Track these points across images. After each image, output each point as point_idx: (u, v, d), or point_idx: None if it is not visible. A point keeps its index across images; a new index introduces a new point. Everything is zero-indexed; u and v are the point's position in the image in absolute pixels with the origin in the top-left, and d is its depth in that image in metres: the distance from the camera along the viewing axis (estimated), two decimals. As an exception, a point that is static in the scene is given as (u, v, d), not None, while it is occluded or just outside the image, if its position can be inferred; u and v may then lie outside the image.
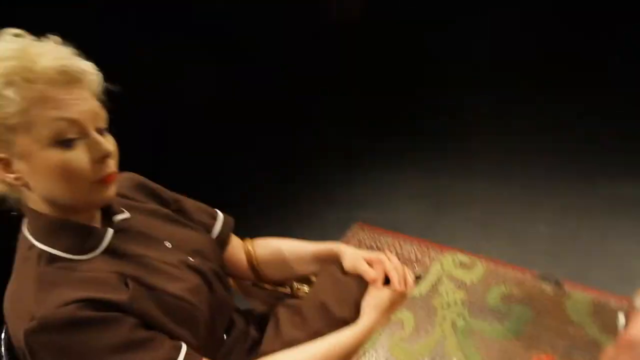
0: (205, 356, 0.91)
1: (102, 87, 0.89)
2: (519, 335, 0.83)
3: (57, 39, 0.86)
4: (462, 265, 1.00)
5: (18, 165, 0.82)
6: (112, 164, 0.86)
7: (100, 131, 0.85)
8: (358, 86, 4.26)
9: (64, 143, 0.80)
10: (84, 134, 0.82)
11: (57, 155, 0.80)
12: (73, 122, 0.80)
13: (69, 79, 0.80)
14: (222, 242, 1.20)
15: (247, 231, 1.32)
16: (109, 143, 0.86)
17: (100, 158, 0.83)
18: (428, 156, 3.08)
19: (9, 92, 0.77)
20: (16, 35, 0.82)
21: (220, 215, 1.22)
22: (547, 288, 0.89)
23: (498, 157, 2.90)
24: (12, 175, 0.83)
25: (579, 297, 0.85)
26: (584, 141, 2.84)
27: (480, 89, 3.71)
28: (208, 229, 1.17)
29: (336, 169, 3.21)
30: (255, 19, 4.88)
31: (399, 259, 1.25)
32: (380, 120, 3.66)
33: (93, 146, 0.82)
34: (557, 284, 0.90)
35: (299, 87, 4.33)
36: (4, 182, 0.85)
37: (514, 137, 3.05)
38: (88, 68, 0.85)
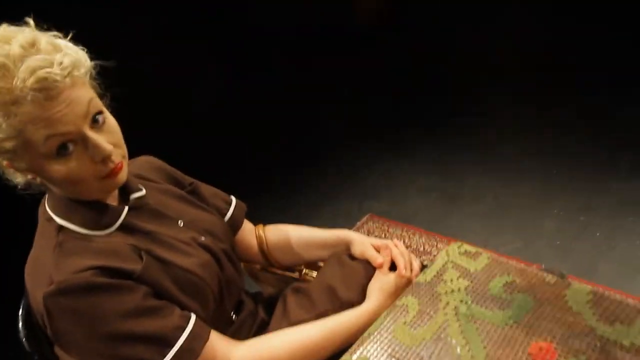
0: (214, 330, 0.95)
1: (92, 69, 0.87)
2: (519, 322, 0.86)
3: (31, 32, 0.81)
4: (467, 254, 1.02)
5: (30, 173, 0.86)
6: (115, 156, 0.87)
7: (96, 119, 0.84)
8: (372, 80, 4.26)
9: (62, 154, 0.81)
10: (80, 138, 0.82)
11: (59, 167, 0.82)
12: (65, 134, 0.80)
13: (51, 93, 0.77)
14: (234, 225, 1.24)
15: (259, 219, 1.36)
16: (108, 135, 0.86)
17: (100, 160, 0.84)
18: (440, 150, 3.09)
19: None
20: None
21: (234, 200, 1.26)
22: (550, 278, 0.91)
23: (511, 153, 2.90)
24: (29, 177, 0.87)
25: (579, 287, 0.88)
26: (596, 139, 2.82)
27: (497, 85, 3.70)
28: (221, 212, 1.21)
29: (347, 160, 3.24)
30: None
31: (411, 251, 1.27)
32: (392, 113, 3.68)
33: (92, 150, 0.83)
34: (562, 276, 0.93)
35: (313, 81, 4.35)
36: (24, 177, 0.89)
37: (528, 133, 3.04)
38: (70, 64, 0.80)
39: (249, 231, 1.31)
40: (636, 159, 2.57)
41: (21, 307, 1.05)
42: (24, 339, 1.02)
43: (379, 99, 3.93)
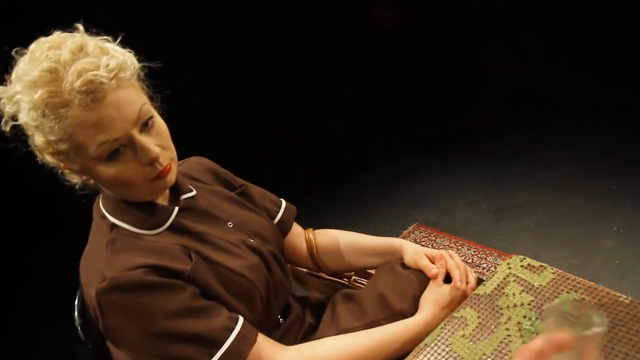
0: (261, 333, 0.94)
1: (140, 70, 0.88)
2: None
3: (80, 37, 0.83)
4: (530, 268, 0.97)
5: (84, 174, 0.88)
6: (164, 159, 0.87)
7: (145, 123, 0.85)
8: (423, 89, 4.20)
9: (112, 157, 0.83)
10: (129, 141, 0.83)
11: (109, 169, 0.84)
12: (115, 140, 0.81)
13: (98, 95, 0.78)
14: (283, 228, 1.22)
15: (307, 224, 1.34)
16: (156, 138, 0.87)
17: (148, 163, 0.85)
18: (491, 162, 3.01)
19: (49, 123, 0.78)
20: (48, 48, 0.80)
21: (284, 203, 1.25)
22: (623, 298, 0.85)
23: (563, 167, 2.80)
24: (83, 177, 0.90)
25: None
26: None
27: (551, 93, 3.58)
28: (271, 214, 1.20)
29: (395, 168, 3.19)
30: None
31: (471, 266, 1.23)
32: (443, 124, 3.60)
33: (140, 152, 0.84)
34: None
35: (370, 93, 4.34)
36: (79, 178, 0.91)
37: (580, 147, 2.93)
38: (117, 66, 0.81)
39: (298, 235, 1.29)
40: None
41: (77, 297, 1.06)
42: (78, 328, 1.04)
43: (430, 110, 3.86)
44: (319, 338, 1.04)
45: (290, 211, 1.26)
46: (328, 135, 3.75)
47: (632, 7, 4.06)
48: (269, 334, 0.98)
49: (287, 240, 1.25)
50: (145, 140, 0.84)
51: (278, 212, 1.22)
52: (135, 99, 0.84)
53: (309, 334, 1.14)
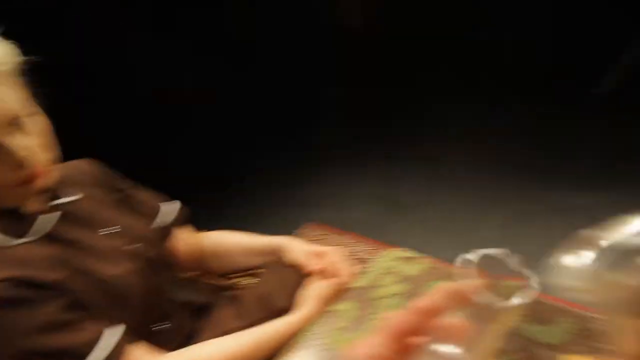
0: (140, 341, 0.90)
1: (19, 68, 0.82)
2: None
3: None
4: (405, 259, 1.01)
5: None
6: (37, 160, 0.82)
7: (16, 123, 0.79)
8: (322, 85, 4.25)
9: None
10: None
11: None
12: None
13: None
14: (167, 231, 1.18)
15: (195, 227, 1.30)
16: (32, 138, 0.81)
17: (16, 166, 0.79)
18: (384, 159, 3.11)
19: None
20: None
21: (170, 206, 1.21)
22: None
23: (453, 163, 2.96)
24: None
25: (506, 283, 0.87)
26: (535, 150, 2.92)
27: (446, 96, 3.76)
28: (154, 217, 1.16)
29: (291, 168, 3.20)
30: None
31: (348, 257, 1.25)
32: (336, 122, 3.68)
33: (5, 156, 0.78)
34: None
35: (263, 85, 4.30)
36: None
37: (470, 144, 3.11)
38: None
39: (183, 238, 1.25)
40: (572, 169, 2.67)
41: None
42: None
43: (324, 109, 3.93)
44: (202, 341, 1.01)
45: (176, 215, 1.22)
46: (218, 135, 3.70)
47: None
48: (149, 341, 0.94)
49: (172, 244, 1.21)
50: (16, 141, 0.78)
51: (163, 215, 1.18)
52: (6, 97, 0.77)
53: (192, 338, 1.11)
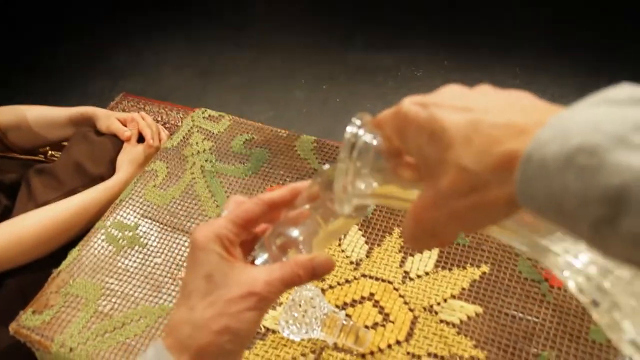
0: None
1: None
2: (257, 172, 0.97)
3: None
4: (211, 118, 1.09)
5: None
6: None
7: None
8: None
9: None
10: None
11: None
12: None
13: None
14: None
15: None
16: None
17: None
18: (194, 26, 3.03)
19: None
20: None
21: None
22: (283, 132, 1.03)
23: (262, 29, 3.00)
24: None
25: (305, 138, 1.01)
26: (337, 16, 3.06)
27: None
28: None
29: (97, 39, 2.98)
30: None
31: (165, 126, 1.29)
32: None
33: None
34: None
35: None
36: None
37: (282, 9, 3.14)
38: None
39: None
40: (369, 33, 2.88)
41: None
42: None
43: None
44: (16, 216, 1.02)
45: None
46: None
47: None
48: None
49: None
50: None
51: None
52: None
53: (5, 216, 1.10)
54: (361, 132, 0.38)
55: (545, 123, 0.27)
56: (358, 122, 0.39)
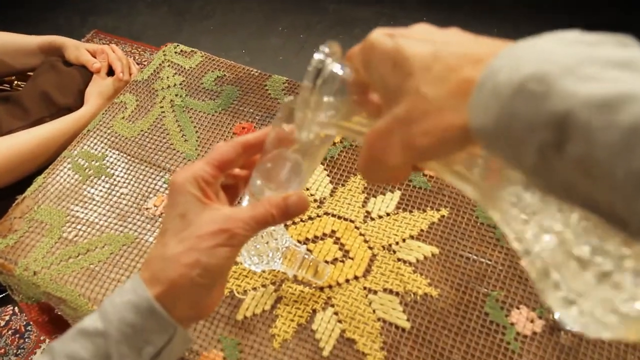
0: None
1: None
2: (227, 109, 0.97)
3: None
4: (183, 53, 1.07)
5: None
6: None
7: None
8: None
9: None
10: None
11: None
12: None
13: None
14: None
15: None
16: None
17: None
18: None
19: None
20: None
21: None
22: (254, 71, 1.03)
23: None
24: None
25: (277, 78, 1.01)
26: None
27: None
28: None
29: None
30: None
31: (138, 65, 1.26)
32: None
33: None
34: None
35: None
36: None
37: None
38: None
39: None
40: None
41: None
42: None
43: None
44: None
45: None
46: None
47: None
48: None
49: None
50: None
51: None
52: None
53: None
54: (329, 60, 0.38)
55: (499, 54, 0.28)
56: (326, 49, 0.39)
